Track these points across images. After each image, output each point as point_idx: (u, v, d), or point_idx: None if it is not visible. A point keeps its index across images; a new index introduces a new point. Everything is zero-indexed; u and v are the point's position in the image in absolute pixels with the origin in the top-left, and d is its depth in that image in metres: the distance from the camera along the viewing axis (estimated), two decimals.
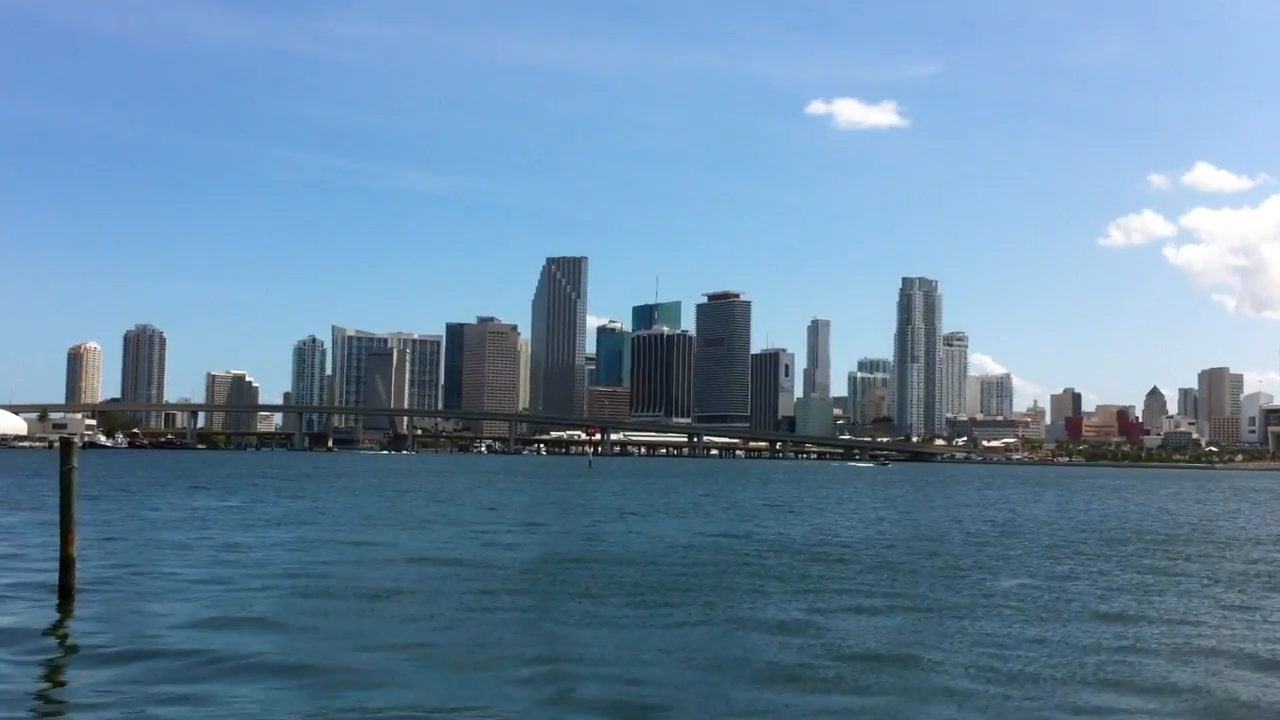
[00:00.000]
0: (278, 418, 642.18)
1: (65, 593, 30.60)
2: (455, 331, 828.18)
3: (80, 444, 34.35)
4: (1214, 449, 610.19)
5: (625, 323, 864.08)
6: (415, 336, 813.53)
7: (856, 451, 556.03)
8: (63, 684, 21.74)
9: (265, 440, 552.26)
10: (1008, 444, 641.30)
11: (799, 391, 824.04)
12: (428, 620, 28.13)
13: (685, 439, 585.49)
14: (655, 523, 67.43)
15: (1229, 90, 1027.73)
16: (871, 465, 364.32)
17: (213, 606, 30.23)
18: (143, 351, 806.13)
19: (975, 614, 30.70)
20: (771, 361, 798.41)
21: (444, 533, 56.54)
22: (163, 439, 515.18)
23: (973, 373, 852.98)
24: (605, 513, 77.39)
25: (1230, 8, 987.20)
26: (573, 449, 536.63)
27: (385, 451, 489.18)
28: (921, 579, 38.74)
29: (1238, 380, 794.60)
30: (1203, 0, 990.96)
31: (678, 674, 22.46)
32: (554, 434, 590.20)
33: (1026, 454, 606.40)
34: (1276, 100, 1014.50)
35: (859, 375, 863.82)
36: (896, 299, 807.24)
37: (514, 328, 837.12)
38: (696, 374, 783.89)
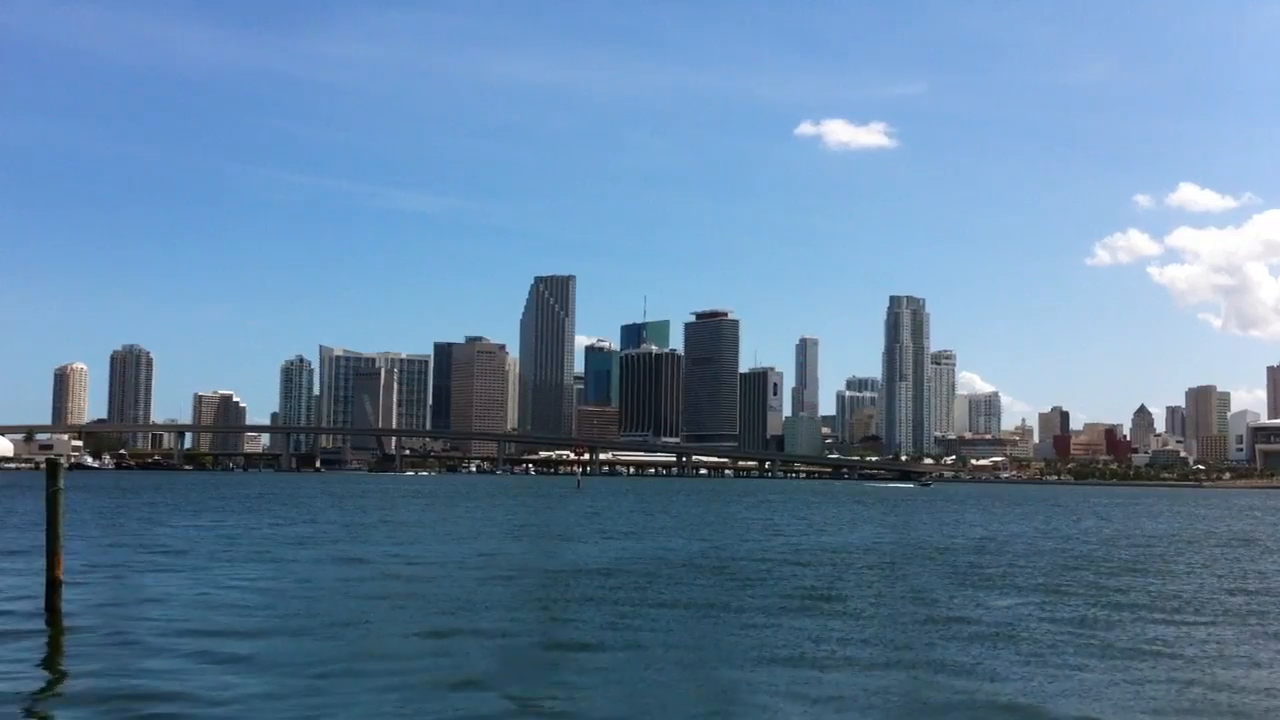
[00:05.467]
0: (265, 438, 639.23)
1: (52, 614, 30.50)
2: (443, 351, 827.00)
3: (66, 465, 34.25)
4: (1202, 467, 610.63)
5: (613, 342, 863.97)
6: (403, 356, 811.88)
7: (845, 471, 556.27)
8: (46, 705, 21.68)
9: (252, 461, 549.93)
10: (996, 463, 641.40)
11: (787, 410, 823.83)
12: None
13: (674, 458, 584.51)
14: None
15: (1213, 111, 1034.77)
16: (913, 485, 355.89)
17: (200, 626, 30.20)
18: (129, 372, 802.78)
19: None
20: (760, 380, 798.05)
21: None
22: (149, 460, 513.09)
23: (961, 391, 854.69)
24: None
25: (1215, 30, 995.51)
26: (561, 469, 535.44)
27: (415, 473, 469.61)
28: None
29: (1225, 398, 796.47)
30: (1187, 22, 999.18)
31: None
32: (543, 454, 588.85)
33: (1015, 472, 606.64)
34: (1260, 120, 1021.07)
35: (847, 394, 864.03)
36: (884, 318, 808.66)
37: (502, 347, 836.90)
38: (685, 393, 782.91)
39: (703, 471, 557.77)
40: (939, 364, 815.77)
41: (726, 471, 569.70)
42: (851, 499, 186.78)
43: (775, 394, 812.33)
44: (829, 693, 23.19)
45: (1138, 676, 25.49)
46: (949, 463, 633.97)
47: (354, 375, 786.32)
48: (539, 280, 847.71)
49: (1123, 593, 43.00)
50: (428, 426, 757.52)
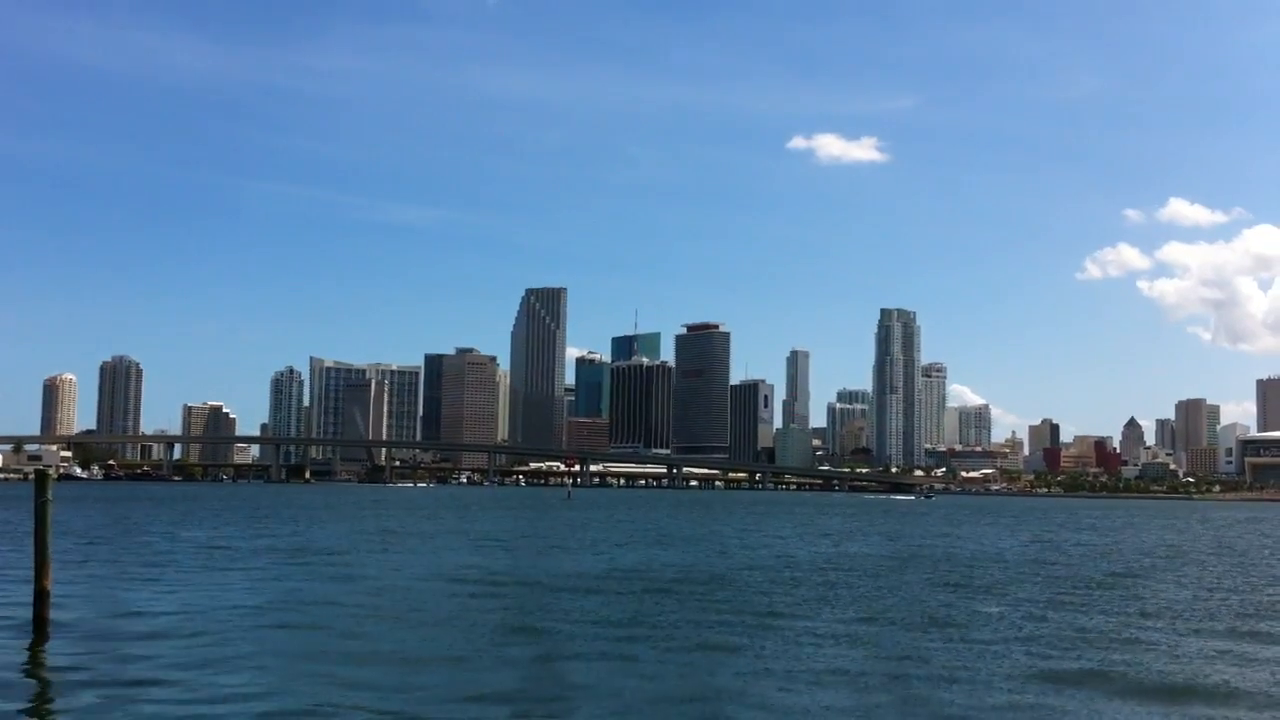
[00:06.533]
0: (255, 449, 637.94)
1: (40, 625, 30.46)
2: (434, 363, 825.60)
3: (55, 476, 34.16)
4: (1191, 480, 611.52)
5: (604, 354, 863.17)
6: (394, 368, 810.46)
7: (836, 483, 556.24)
8: (36, 715, 21.67)
9: (242, 472, 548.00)
10: (986, 475, 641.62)
11: (778, 422, 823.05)
12: None
13: (664, 470, 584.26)
14: None
15: (1203, 126, 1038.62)
16: (913, 498, 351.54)
17: (191, 637, 30.20)
18: (119, 383, 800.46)
19: None
20: (750, 392, 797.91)
21: None
22: (138, 471, 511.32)
23: (951, 403, 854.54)
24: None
25: (1206, 45, 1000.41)
26: (552, 480, 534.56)
27: (416, 484, 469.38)
28: None
29: (1214, 411, 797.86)
30: (1178, 38, 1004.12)
31: None
32: (533, 465, 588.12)
33: (1005, 485, 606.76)
34: (1249, 135, 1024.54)
35: (838, 406, 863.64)
36: (875, 330, 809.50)
37: (493, 359, 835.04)
38: (675, 405, 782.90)
39: (693, 483, 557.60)
40: (929, 376, 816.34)
41: (717, 483, 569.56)
42: (855, 511, 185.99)
43: (766, 406, 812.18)
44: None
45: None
46: (939, 475, 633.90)
47: (344, 386, 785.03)
48: (530, 292, 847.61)
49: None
50: (418, 438, 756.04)
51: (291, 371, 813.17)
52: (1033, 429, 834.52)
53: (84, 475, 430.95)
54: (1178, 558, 76.51)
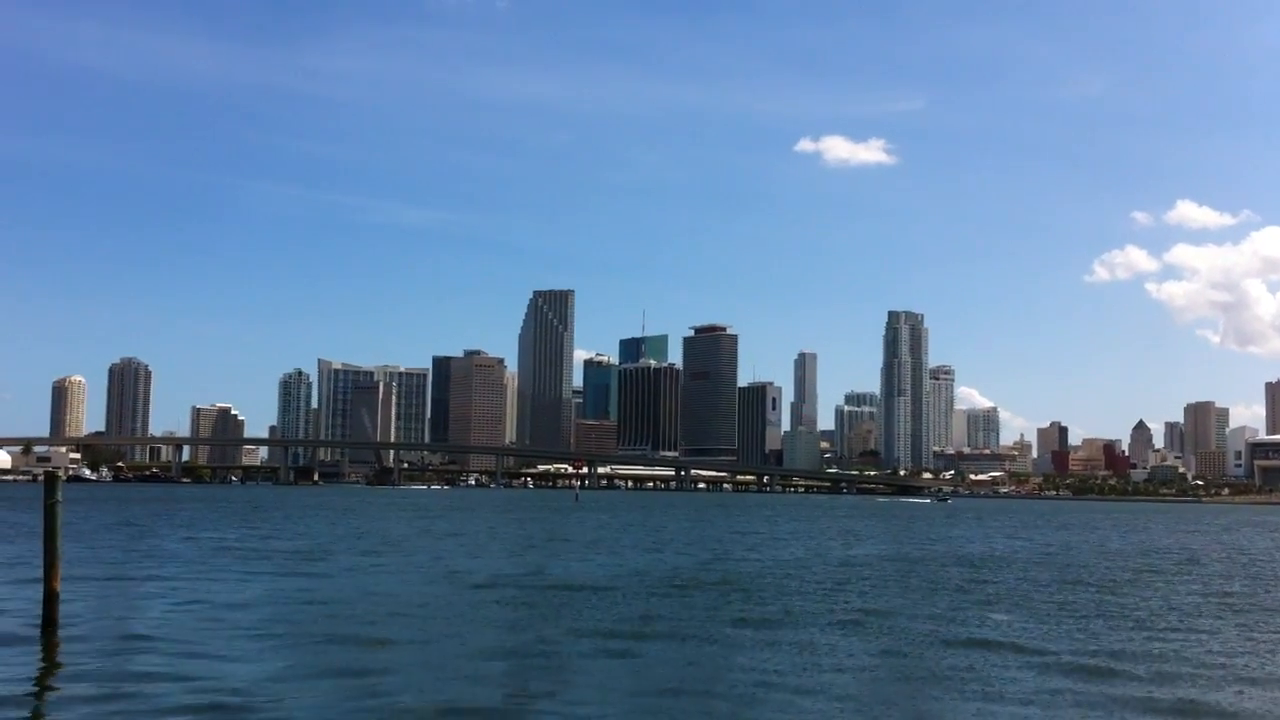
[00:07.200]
0: (263, 451, 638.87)
1: (49, 626, 30.37)
2: (442, 365, 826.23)
3: (64, 477, 34.15)
4: (1200, 483, 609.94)
5: (612, 356, 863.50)
6: (402, 370, 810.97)
7: (844, 485, 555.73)
8: (44, 716, 21.61)
9: (250, 474, 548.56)
10: (995, 478, 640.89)
11: (786, 425, 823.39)
12: None
13: (672, 472, 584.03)
14: None
15: (1211, 128, 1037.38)
16: (928, 501, 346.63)
17: (199, 639, 30.11)
18: (127, 385, 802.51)
19: None
20: (758, 395, 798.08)
21: None
22: (147, 472, 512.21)
23: (959, 406, 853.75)
24: None
25: (1213, 47, 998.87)
26: (560, 482, 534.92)
27: (428, 486, 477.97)
28: None
29: (1223, 414, 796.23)
30: (1186, 39, 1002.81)
31: None
32: (541, 467, 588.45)
33: (1013, 487, 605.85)
34: (1258, 138, 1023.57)
35: (846, 408, 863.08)
36: (883, 333, 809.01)
37: (501, 361, 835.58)
38: (683, 407, 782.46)
39: (701, 486, 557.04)
40: (937, 379, 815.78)
41: (725, 486, 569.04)
42: (871, 514, 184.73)
43: (774, 408, 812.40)
44: None
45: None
46: (947, 477, 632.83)
47: (352, 388, 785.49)
48: (538, 294, 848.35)
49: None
50: (426, 440, 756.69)
51: (300, 373, 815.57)
52: (1041, 431, 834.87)
53: (93, 477, 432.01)
54: (1190, 561, 76.35)
